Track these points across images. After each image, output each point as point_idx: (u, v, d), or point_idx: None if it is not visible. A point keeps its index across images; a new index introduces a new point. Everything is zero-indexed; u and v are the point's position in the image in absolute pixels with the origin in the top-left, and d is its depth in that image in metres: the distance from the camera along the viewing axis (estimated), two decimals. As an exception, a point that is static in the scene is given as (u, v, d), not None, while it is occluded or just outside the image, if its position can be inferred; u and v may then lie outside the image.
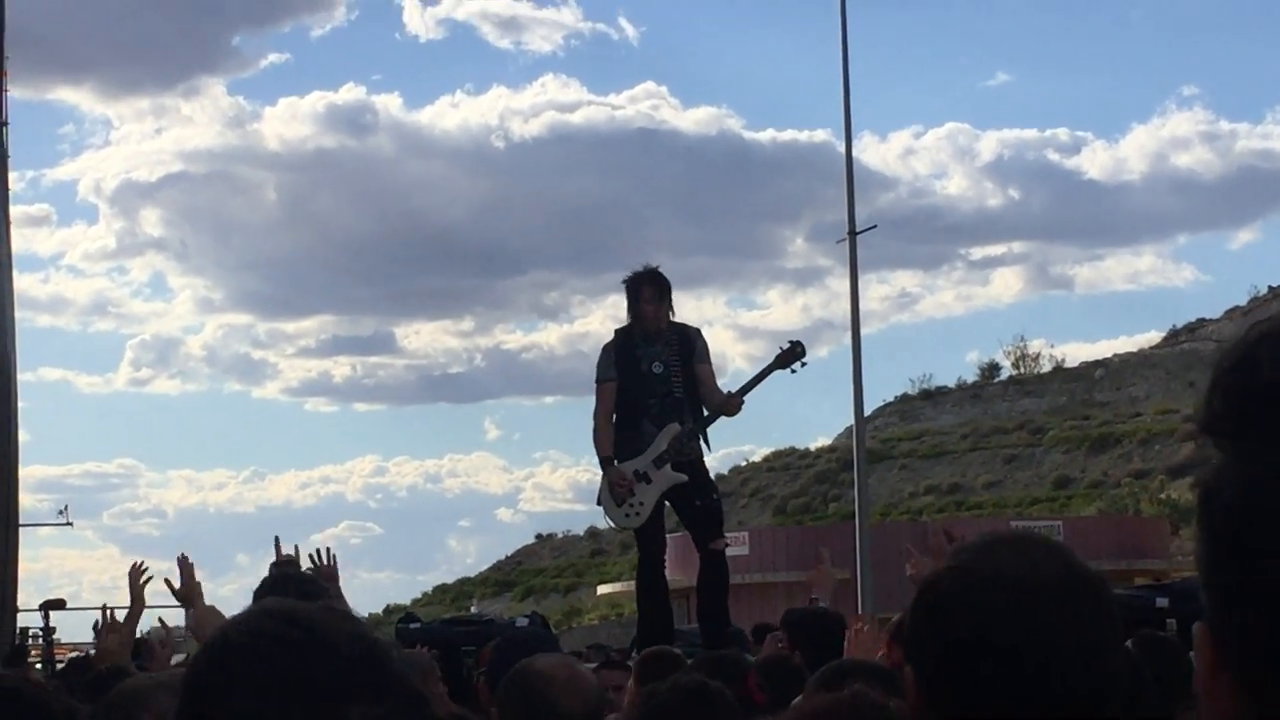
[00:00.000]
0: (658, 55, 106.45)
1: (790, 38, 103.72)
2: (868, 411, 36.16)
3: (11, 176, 24.48)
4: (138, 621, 7.12)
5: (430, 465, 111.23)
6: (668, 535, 9.81)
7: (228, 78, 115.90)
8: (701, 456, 9.53)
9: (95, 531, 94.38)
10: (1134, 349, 74.94)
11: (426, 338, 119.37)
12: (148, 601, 7.05)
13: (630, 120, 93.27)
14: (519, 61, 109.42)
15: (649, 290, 9.37)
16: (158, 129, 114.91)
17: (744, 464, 72.27)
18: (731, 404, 9.43)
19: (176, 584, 6.00)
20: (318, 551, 6.81)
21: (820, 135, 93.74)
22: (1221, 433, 1.26)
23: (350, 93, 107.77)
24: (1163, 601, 10.96)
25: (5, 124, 23.75)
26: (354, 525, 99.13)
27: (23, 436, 23.87)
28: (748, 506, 65.68)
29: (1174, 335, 75.10)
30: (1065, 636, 2.00)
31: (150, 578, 7.14)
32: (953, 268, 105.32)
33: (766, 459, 72.17)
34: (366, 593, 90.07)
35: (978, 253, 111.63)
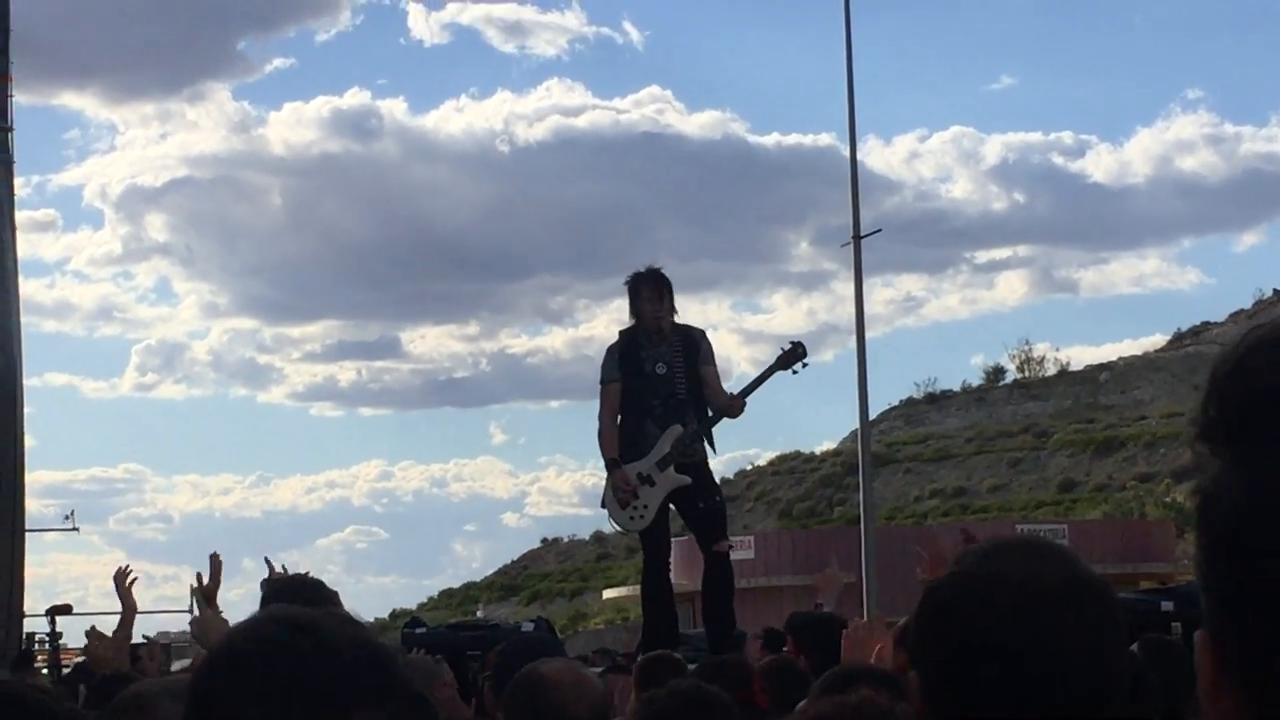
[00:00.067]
0: (662, 59, 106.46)
1: (794, 41, 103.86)
2: (873, 415, 36.14)
3: (17, 182, 24.49)
4: (131, 626, 7.14)
5: (436, 470, 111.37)
6: (673, 539, 9.82)
7: (233, 83, 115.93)
8: (705, 458, 9.54)
9: (101, 536, 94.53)
10: (1139, 352, 75.00)
11: (432, 342, 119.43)
12: (149, 606, 7.07)
13: (635, 124, 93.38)
14: (523, 66, 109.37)
15: (647, 289, 9.39)
16: (163, 134, 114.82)
17: (749, 468, 72.34)
18: (734, 406, 9.44)
19: (205, 579, 6.03)
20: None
21: (825, 139, 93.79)
22: (1218, 439, 1.26)
23: (355, 97, 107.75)
24: (1168, 605, 10.95)
25: (11, 129, 23.79)
26: (359, 530, 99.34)
27: (29, 442, 23.98)
28: (753, 510, 65.65)
29: (1179, 338, 75.10)
30: (1068, 640, 2.00)
31: (135, 579, 7.16)
32: (957, 271, 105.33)
33: (771, 463, 72.16)
34: (372, 597, 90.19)
35: (982, 256, 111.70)
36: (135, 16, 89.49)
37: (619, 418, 9.50)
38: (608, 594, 52.36)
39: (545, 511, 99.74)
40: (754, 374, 9.76)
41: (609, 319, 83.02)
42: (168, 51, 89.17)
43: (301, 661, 1.83)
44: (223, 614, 5.70)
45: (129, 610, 7.08)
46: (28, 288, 50.84)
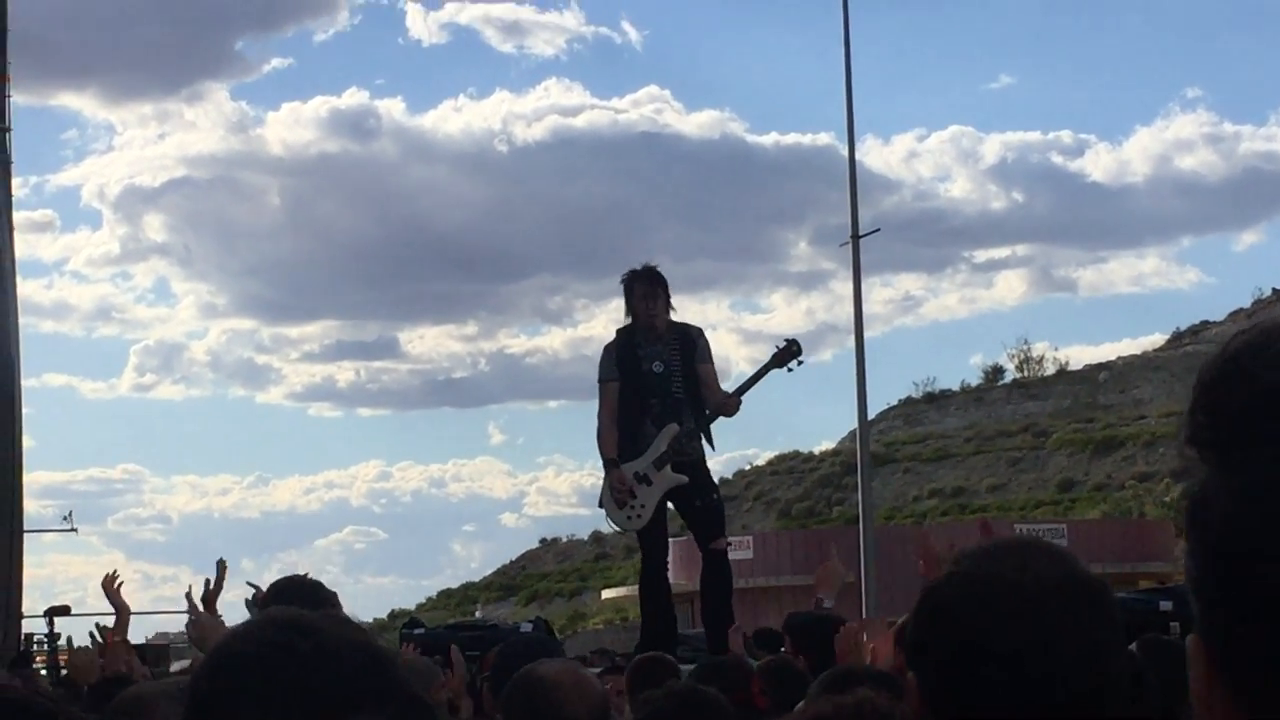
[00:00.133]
0: (660, 59, 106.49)
1: (793, 41, 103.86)
2: (871, 415, 36.17)
3: (15, 182, 24.54)
4: (126, 629, 7.16)
5: (434, 470, 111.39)
6: (671, 539, 9.82)
7: (231, 83, 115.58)
8: (703, 457, 9.54)
9: (100, 537, 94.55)
10: (1138, 351, 75.00)
11: (430, 342, 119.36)
12: (147, 607, 7.10)
13: (633, 124, 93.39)
14: (522, 65, 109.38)
15: (641, 287, 9.40)
16: (161, 134, 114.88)
17: (748, 468, 72.34)
18: (729, 404, 9.45)
19: (213, 584, 6.03)
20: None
21: (823, 138, 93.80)
22: (1207, 444, 1.26)
23: (353, 97, 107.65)
24: (1166, 605, 10.98)
25: (8, 129, 23.80)
26: (358, 530, 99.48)
27: (27, 442, 23.94)
28: (751, 510, 65.66)
29: (1178, 337, 75.09)
30: (1066, 640, 2.01)
31: (122, 582, 7.19)
32: (956, 271, 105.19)
33: (770, 462, 72.17)
34: (371, 598, 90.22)
35: (981, 255, 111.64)
36: (133, 17, 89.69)
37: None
38: (606, 594, 52.40)
39: (544, 512, 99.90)
40: (751, 373, 9.77)
41: (607, 319, 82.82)
42: (166, 52, 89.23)
43: (300, 664, 1.84)
44: (220, 617, 5.70)
45: (123, 614, 7.11)
46: (26, 288, 50.83)
